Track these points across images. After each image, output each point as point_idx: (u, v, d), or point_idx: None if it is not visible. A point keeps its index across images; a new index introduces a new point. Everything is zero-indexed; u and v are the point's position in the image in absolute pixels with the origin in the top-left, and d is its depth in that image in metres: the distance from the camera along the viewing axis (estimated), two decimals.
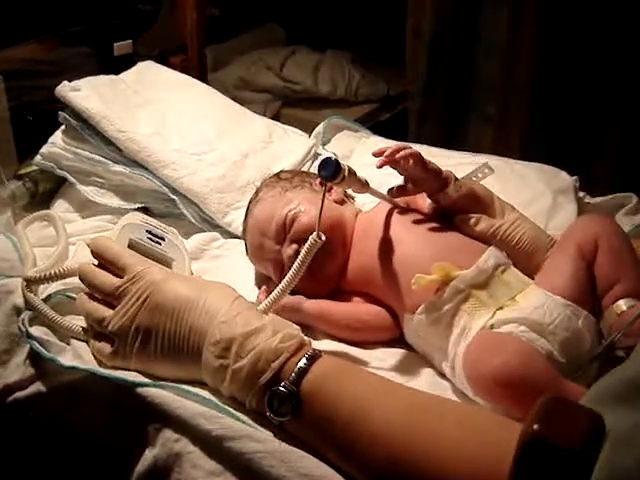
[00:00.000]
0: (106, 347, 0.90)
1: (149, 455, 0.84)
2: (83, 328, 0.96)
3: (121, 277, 0.90)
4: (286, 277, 0.96)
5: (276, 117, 2.47)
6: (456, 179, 1.09)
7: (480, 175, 1.07)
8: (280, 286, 0.96)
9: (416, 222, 1.08)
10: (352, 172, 1.01)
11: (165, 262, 1.07)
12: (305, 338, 0.85)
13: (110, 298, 0.90)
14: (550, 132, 2.32)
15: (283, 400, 0.78)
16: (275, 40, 2.99)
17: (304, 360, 0.80)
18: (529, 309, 0.94)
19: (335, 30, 2.91)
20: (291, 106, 2.68)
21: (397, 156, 1.04)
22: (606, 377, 0.65)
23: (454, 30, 2.35)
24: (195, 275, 1.17)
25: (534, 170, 1.41)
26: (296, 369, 0.79)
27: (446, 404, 0.83)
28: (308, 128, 1.63)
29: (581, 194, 1.40)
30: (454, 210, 1.09)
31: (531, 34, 2.24)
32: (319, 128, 1.57)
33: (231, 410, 0.83)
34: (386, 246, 1.06)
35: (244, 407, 0.83)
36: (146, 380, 0.87)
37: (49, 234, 1.24)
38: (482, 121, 2.43)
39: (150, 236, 1.09)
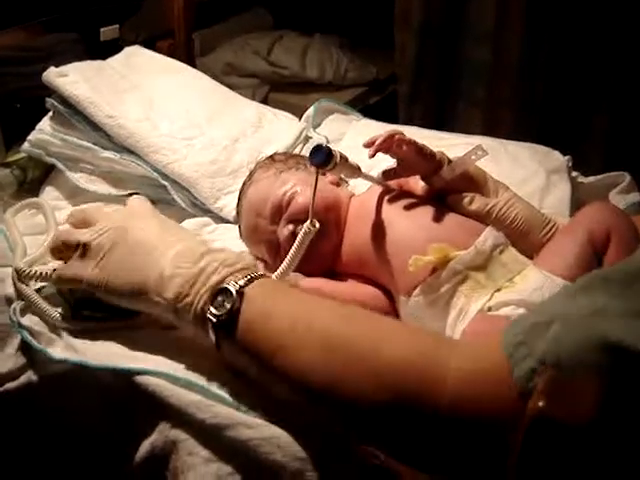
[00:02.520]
0: (78, 260, 0.90)
1: (146, 443, 0.84)
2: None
3: None
4: (281, 266, 0.95)
5: (264, 102, 2.45)
6: (449, 161, 1.08)
7: (474, 157, 1.05)
8: (275, 274, 0.95)
9: (410, 204, 1.07)
10: (344, 158, 1.00)
11: None
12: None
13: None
14: (538, 115, 2.32)
15: (228, 296, 0.78)
16: (262, 25, 2.97)
17: (254, 273, 0.81)
18: (527, 291, 0.92)
19: (322, 14, 2.89)
20: (279, 91, 2.67)
21: (391, 143, 1.04)
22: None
23: (443, 14, 2.34)
24: None
25: (527, 150, 1.41)
26: (248, 276, 0.80)
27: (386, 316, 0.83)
28: (297, 113, 1.61)
29: (574, 174, 1.39)
30: (448, 191, 1.08)
31: (519, 18, 2.23)
32: (309, 111, 1.55)
33: (224, 395, 0.82)
34: (380, 228, 1.05)
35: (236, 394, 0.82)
36: (138, 367, 0.86)
37: (38, 222, 1.21)
38: (471, 104, 2.42)
39: None
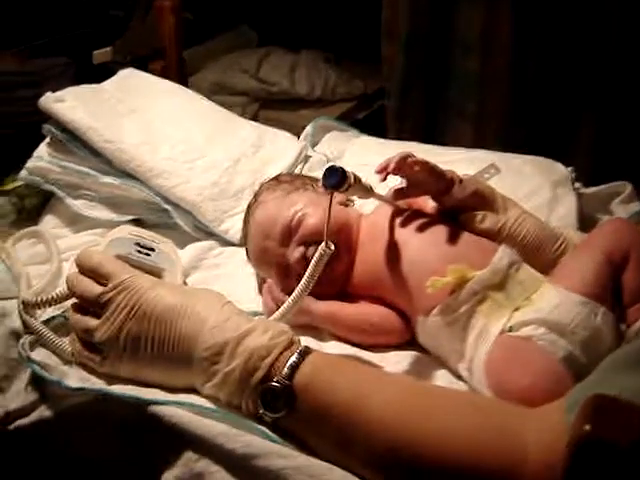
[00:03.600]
0: (95, 355, 0.88)
1: (169, 476, 0.81)
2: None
3: (105, 286, 0.88)
4: (296, 289, 0.93)
5: (255, 119, 2.43)
6: (460, 180, 1.07)
7: (487, 175, 1.05)
8: (291, 297, 0.93)
9: (422, 224, 1.05)
10: (358, 179, 0.98)
11: (155, 272, 1.04)
12: (295, 336, 0.84)
13: (94, 306, 0.88)
14: (528, 127, 2.32)
15: (276, 395, 0.78)
16: (247, 43, 2.97)
17: (296, 355, 0.80)
18: (547, 310, 0.91)
19: (307, 30, 2.88)
20: (269, 108, 2.66)
21: (403, 165, 1.03)
22: (620, 348, 0.69)
23: (430, 27, 2.34)
24: (190, 284, 1.15)
25: (530, 163, 1.40)
26: (288, 363, 0.79)
27: (442, 388, 0.85)
28: (288, 129, 1.60)
29: (576, 184, 1.39)
30: (458, 210, 1.07)
31: (507, 30, 2.24)
32: (308, 130, 1.55)
33: (253, 423, 0.80)
34: (393, 249, 1.03)
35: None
36: (161, 398, 0.84)
37: (39, 251, 1.19)
38: (460, 117, 2.42)
39: (139, 248, 1.07)
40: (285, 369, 0.78)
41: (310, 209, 1.09)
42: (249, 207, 1.18)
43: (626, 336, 0.93)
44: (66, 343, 0.94)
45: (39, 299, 0.98)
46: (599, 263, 0.95)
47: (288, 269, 1.08)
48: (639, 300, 0.94)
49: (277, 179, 1.21)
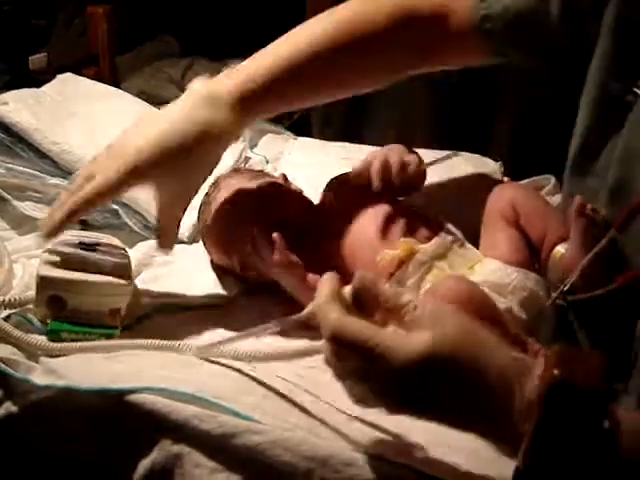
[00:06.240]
0: None
1: (146, 462, 0.82)
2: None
3: None
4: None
5: None
6: None
7: None
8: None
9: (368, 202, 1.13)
10: None
11: (103, 265, 1.05)
12: None
13: None
14: (450, 129, 2.40)
15: None
16: (170, 52, 2.96)
17: None
18: (487, 273, 1.00)
19: (230, 40, 2.90)
20: None
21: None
22: None
23: None
24: (143, 280, 1.16)
25: (461, 157, 1.48)
26: None
27: None
28: None
29: (505, 179, 1.47)
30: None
31: None
32: (245, 133, 1.58)
33: (223, 403, 0.82)
34: (342, 228, 1.11)
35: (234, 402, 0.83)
36: (131, 385, 0.85)
37: None
38: (385, 124, 2.49)
39: (83, 246, 1.08)
40: None
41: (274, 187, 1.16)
42: (207, 195, 1.22)
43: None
44: (30, 337, 0.95)
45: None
46: (504, 230, 1.05)
47: (255, 245, 1.10)
48: (542, 240, 1.02)
49: (235, 170, 1.27)
